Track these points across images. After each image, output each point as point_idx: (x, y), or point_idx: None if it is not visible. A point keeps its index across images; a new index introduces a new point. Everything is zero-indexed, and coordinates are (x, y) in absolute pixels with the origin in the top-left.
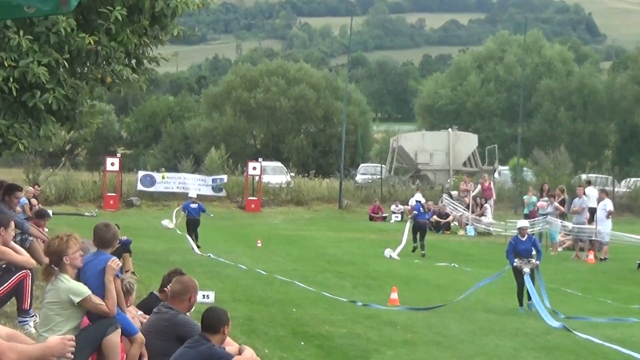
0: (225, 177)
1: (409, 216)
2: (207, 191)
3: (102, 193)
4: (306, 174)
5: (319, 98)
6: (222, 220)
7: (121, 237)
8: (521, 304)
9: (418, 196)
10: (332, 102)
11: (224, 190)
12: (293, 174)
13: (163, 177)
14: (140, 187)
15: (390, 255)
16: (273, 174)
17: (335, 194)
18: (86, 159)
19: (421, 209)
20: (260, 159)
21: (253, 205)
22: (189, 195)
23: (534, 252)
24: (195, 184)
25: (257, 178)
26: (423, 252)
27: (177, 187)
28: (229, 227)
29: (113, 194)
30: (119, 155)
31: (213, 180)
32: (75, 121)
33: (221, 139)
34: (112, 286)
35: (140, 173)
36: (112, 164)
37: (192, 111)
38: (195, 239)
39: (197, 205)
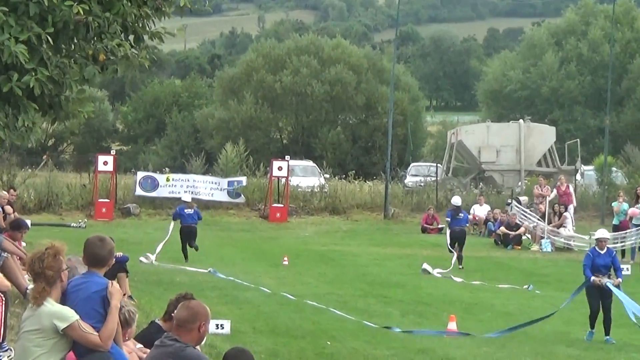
0: (244, 180)
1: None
2: (222, 196)
3: (93, 199)
4: (344, 176)
5: (360, 82)
6: (240, 233)
7: (116, 254)
8: (592, 327)
9: (455, 200)
10: (375, 87)
11: (242, 195)
12: (327, 176)
13: (168, 180)
14: (139, 191)
15: (429, 271)
16: (303, 175)
17: (379, 200)
18: (73, 156)
19: (454, 213)
20: (287, 157)
21: (278, 214)
22: (183, 199)
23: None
24: (206, 188)
25: (283, 180)
26: (460, 266)
27: (186, 192)
28: (248, 241)
29: (106, 200)
30: (113, 152)
31: (229, 183)
32: (61, 110)
33: (239, 132)
34: (116, 313)
35: (140, 174)
36: (105, 163)
37: (204, 98)
38: (194, 248)
39: (192, 210)
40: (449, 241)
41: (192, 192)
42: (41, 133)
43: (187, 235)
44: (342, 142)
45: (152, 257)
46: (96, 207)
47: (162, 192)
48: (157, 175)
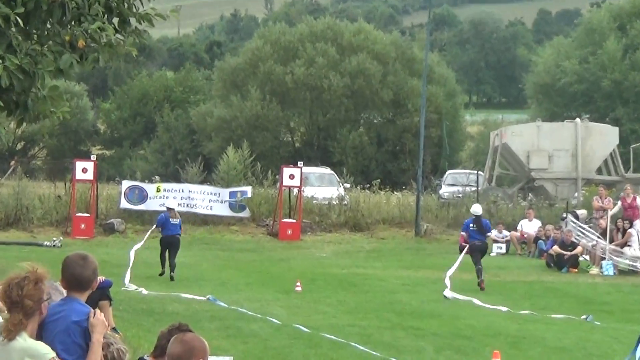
0: (249, 190)
1: (463, 240)
2: (223, 210)
3: (69, 213)
4: (367, 185)
5: (386, 74)
6: (244, 253)
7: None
8: None
9: (476, 208)
10: (405, 79)
11: (247, 208)
12: (348, 185)
13: (158, 190)
14: (124, 204)
15: (452, 296)
16: (319, 184)
17: (410, 214)
18: (46, 162)
19: (472, 225)
20: (300, 163)
21: (290, 231)
22: (167, 205)
23: None
24: (204, 200)
25: (295, 191)
26: (481, 280)
27: (180, 205)
28: (254, 263)
29: (85, 215)
30: (93, 157)
31: (231, 194)
32: (27, 110)
33: (243, 133)
34: (99, 350)
35: (125, 184)
36: (84, 171)
37: (201, 93)
38: (171, 269)
39: (178, 221)
40: (461, 256)
41: (187, 205)
42: (7, 135)
43: (169, 246)
44: (365, 146)
45: (127, 278)
46: (73, 223)
47: (151, 204)
48: (145, 185)
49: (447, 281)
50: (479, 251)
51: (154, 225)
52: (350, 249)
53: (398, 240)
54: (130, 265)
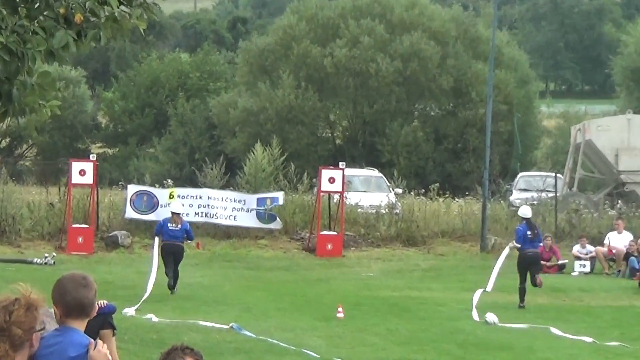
0: (280, 197)
1: (510, 245)
2: (249, 221)
3: (64, 224)
4: (423, 191)
5: (446, 56)
6: (274, 273)
7: (100, 302)
8: None
9: (524, 210)
10: (468, 63)
11: (278, 219)
12: (400, 191)
13: (171, 197)
14: (130, 213)
15: (493, 322)
16: (365, 189)
17: (474, 225)
18: (37, 163)
19: (529, 232)
20: (342, 164)
21: (330, 246)
22: (171, 209)
23: None
24: (226, 209)
25: (337, 197)
26: (522, 305)
27: (197, 214)
28: (287, 284)
29: (83, 226)
30: (93, 157)
31: (259, 201)
32: (11, 102)
33: (273, 128)
34: None
35: (132, 189)
36: (82, 173)
37: (223, 80)
38: (174, 281)
39: (180, 226)
40: (519, 278)
41: (205, 215)
42: None
43: (170, 255)
44: (420, 143)
45: (131, 309)
46: (69, 236)
47: (162, 214)
48: (156, 191)
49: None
50: (530, 263)
51: (154, 237)
52: (403, 267)
53: (460, 256)
54: (147, 294)
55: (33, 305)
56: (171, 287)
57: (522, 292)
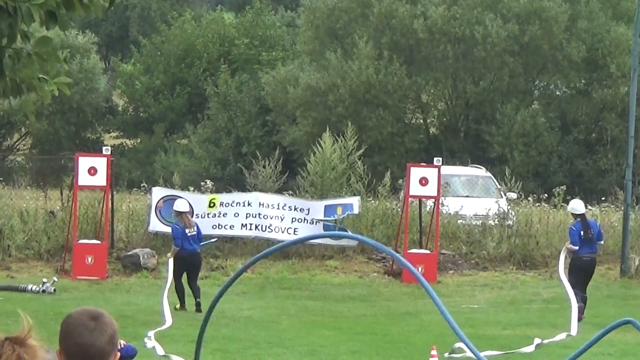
0: (355, 203)
1: (567, 246)
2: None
3: (69, 239)
4: (545, 195)
5: (576, 17)
6: (348, 303)
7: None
8: None
9: (575, 205)
10: (605, 26)
11: (351, 233)
12: (514, 195)
13: (212, 204)
14: (156, 224)
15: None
16: (468, 193)
17: (612, 241)
18: (32, 158)
19: (583, 233)
20: (437, 160)
21: (421, 268)
22: (178, 208)
23: None
24: (282, 219)
25: (430, 204)
26: (581, 316)
27: (245, 227)
28: (364, 319)
29: (93, 242)
30: (107, 149)
31: (327, 209)
32: (1, 75)
33: (346, 112)
34: None
35: (158, 193)
36: (92, 171)
37: (280, 48)
38: (196, 294)
39: (195, 229)
40: (567, 279)
41: (256, 227)
42: None
43: (187, 267)
44: (541, 132)
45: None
46: (75, 255)
47: (200, 226)
48: (190, 196)
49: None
50: (584, 271)
51: (173, 246)
52: (518, 296)
53: (594, 283)
54: (168, 323)
55: (29, 348)
56: (198, 305)
57: (581, 308)
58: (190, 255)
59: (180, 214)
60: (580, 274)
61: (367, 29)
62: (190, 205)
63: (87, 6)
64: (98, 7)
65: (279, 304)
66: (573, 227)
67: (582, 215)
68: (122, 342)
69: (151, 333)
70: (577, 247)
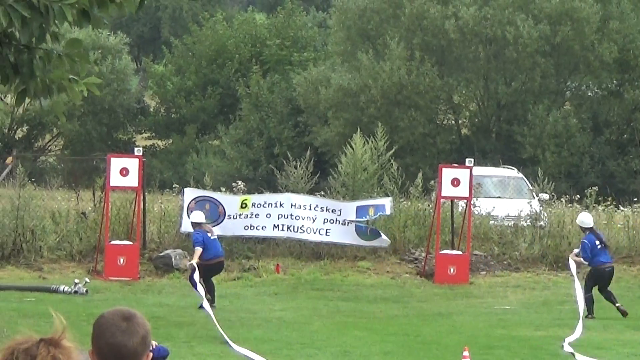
0: (387, 204)
1: (574, 257)
2: (346, 236)
3: (100, 240)
4: (577, 196)
5: (608, 17)
6: (379, 305)
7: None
8: None
9: (584, 218)
10: (637, 26)
11: (382, 235)
12: (546, 196)
13: (244, 205)
14: (188, 226)
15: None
16: (500, 195)
17: None
18: (63, 160)
19: (597, 243)
20: (469, 161)
21: (453, 269)
22: (194, 219)
23: None
24: (314, 220)
25: (462, 205)
26: (591, 316)
27: (277, 227)
28: (397, 320)
29: (125, 243)
30: (139, 151)
31: (359, 210)
32: (32, 76)
33: (378, 113)
34: None
35: (190, 193)
36: (124, 173)
37: (311, 49)
38: (211, 299)
39: (215, 235)
40: (584, 288)
41: (288, 228)
42: (2, 115)
43: (214, 274)
44: (573, 133)
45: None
46: (107, 256)
47: (232, 227)
48: (222, 197)
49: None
50: (606, 280)
51: (195, 252)
52: (550, 297)
53: (626, 284)
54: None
55: (64, 349)
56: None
57: (591, 302)
58: (217, 262)
59: (197, 225)
60: (600, 282)
61: (398, 30)
62: (204, 214)
63: (120, 3)
64: (131, 3)
65: (311, 305)
66: (586, 241)
67: (591, 228)
68: (154, 342)
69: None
70: (587, 262)
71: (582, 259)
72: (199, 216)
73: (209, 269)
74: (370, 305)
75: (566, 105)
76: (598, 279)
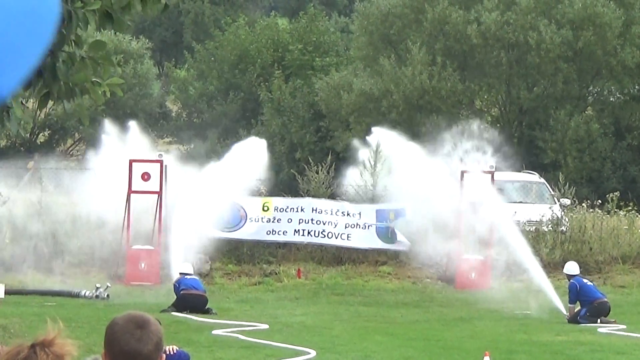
0: (407, 208)
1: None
2: (366, 240)
3: (122, 244)
4: (598, 202)
5: (630, 23)
6: (400, 309)
7: (167, 348)
8: None
9: (571, 267)
10: None
11: (402, 237)
12: (568, 201)
13: (266, 209)
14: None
15: None
16: (521, 200)
17: None
18: (84, 162)
19: (586, 281)
20: (491, 166)
21: (474, 274)
22: (182, 270)
23: None
24: (336, 224)
25: (483, 210)
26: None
27: (298, 232)
28: (418, 325)
29: (146, 247)
30: (161, 155)
31: (380, 214)
32: (55, 79)
33: (400, 118)
34: None
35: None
36: (145, 177)
37: (334, 53)
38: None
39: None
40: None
41: (309, 233)
42: (25, 119)
43: (193, 306)
44: (595, 138)
45: None
46: (128, 261)
47: (253, 231)
48: (244, 201)
49: None
50: (605, 314)
51: (176, 289)
52: None
53: None
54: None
55: (60, 356)
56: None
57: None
58: (193, 295)
59: (182, 274)
60: (601, 314)
61: (420, 35)
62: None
63: (146, 4)
64: (155, 7)
65: (332, 309)
66: (573, 282)
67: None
68: (175, 347)
69: None
70: (578, 307)
71: (571, 305)
72: (185, 267)
73: (186, 300)
74: (391, 310)
75: (588, 111)
76: (600, 313)
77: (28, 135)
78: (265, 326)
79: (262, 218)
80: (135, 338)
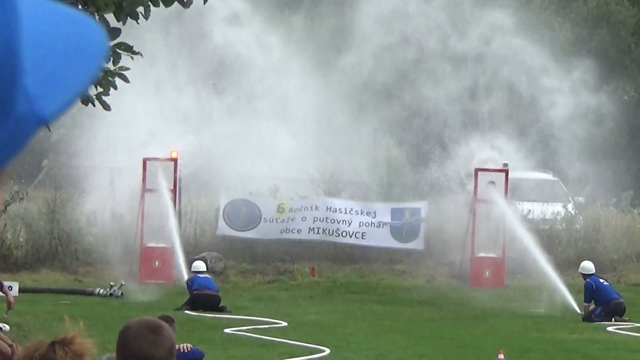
0: (423, 206)
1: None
2: (381, 238)
3: (137, 242)
4: (613, 200)
5: None
6: (416, 308)
7: (180, 346)
8: None
9: (587, 265)
10: None
11: (420, 235)
12: (582, 199)
13: (281, 209)
14: (224, 228)
15: None
16: (536, 199)
17: None
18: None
19: (602, 280)
20: (505, 164)
21: (489, 272)
22: (195, 268)
23: None
24: (350, 223)
25: (497, 208)
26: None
27: (312, 230)
28: (433, 324)
29: (161, 245)
30: (175, 152)
31: (395, 213)
32: None
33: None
34: None
35: (226, 196)
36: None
37: None
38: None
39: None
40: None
41: (324, 232)
42: None
43: (206, 305)
44: (615, 139)
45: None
46: (142, 259)
47: (268, 231)
48: (259, 200)
49: None
50: (620, 314)
51: (190, 287)
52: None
53: None
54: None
55: (80, 355)
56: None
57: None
58: (206, 295)
59: (195, 272)
60: (615, 315)
61: None
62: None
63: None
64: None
65: (346, 308)
66: (589, 281)
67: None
68: (189, 345)
69: None
70: (593, 306)
71: (587, 304)
72: (198, 264)
73: (198, 300)
74: (405, 308)
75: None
76: (614, 313)
77: (42, 133)
78: (284, 324)
79: (277, 218)
80: (148, 342)
